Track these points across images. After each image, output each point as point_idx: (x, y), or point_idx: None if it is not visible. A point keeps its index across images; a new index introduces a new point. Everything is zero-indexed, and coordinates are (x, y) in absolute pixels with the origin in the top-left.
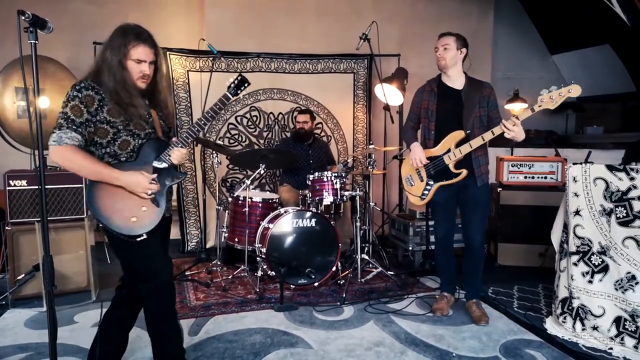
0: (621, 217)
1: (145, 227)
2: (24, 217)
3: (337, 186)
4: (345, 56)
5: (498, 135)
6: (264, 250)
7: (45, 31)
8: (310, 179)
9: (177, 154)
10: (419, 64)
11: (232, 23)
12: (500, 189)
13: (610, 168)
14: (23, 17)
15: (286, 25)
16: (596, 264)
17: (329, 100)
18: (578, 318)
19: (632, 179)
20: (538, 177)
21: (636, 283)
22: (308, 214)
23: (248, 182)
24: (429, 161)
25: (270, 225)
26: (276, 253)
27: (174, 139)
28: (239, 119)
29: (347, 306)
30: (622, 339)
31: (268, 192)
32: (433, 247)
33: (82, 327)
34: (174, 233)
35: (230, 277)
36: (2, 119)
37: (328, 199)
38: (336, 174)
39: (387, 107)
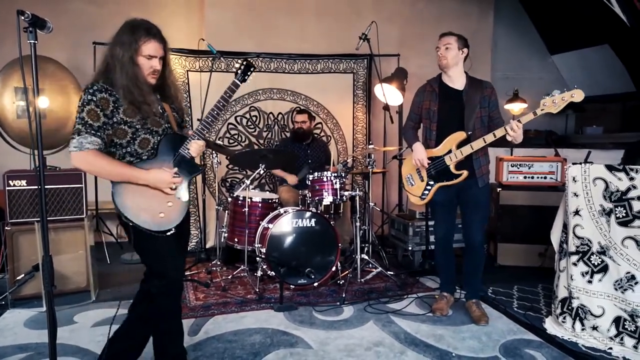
0: (621, 217)
1: (173, 221)
2: (24, 217)
3: (337, 186)
4: (345, 56)
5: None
6: (263, 250)
7: (44, 31)
8: (310, 179)
9: (195, 147)
10: (419, 64)
11: (231, 23)
12: (500, 189)
13: (610, 168)
14: (23, 17)
15: (286, 25)
16: (596, 264)
17: (329, 100)
18: (578, 318)
19: (631, 179)
20: (538, 177)
21: (636, 283)
22: (308, 214)
23: (248, 182)
24: (430, 162)
25: (270, 225)
26: (276, 253)
27: (190, 132)
28: (238, 119)
29: (346, 306)
30: (621, 338)
31: (268, 192)
32: (433, 247)
33: (82, 327)
34: None
35: (229, 277)
36: (2, 118)
37: (328, 199)
38: (336, 174)
39: (386, 107)
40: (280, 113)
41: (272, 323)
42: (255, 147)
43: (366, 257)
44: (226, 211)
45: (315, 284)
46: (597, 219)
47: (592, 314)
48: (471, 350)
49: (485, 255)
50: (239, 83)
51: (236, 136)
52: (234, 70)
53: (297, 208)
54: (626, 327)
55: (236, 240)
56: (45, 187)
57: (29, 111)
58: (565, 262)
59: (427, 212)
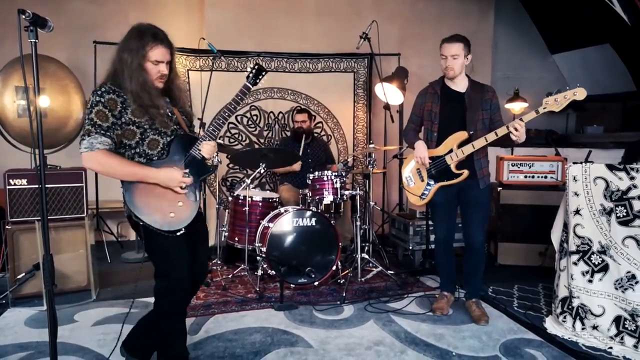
0: (621, 216)
1: (183, 221)
2: (24, 216)
3: (337, 185)
4: (345, 55)
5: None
6: (264, 249)
7: (45, 30)
8: (310, 178)
9: (207, 148)
10: (419, 64)
11: (232, 23)
12: (501, 188)
13: (611, 167)
14: (23, 16)
15: (286, 25)
16: (596, 263)
17: (329, 99)
18: (578, 317)
19: (632, 178)
20: (538, 177)
21: (636, 282)
22: (308, 213)
23: (248, 181)
24: (431, 161)
25: (271, 225)
26: (276, 252)
27: (202, 133)
28: (239, 118)
29: (347, 305)
30: (622, 338)
31: (268, 191)
32: (433, 246)
33: (82, 326)
34: None
35: (230, 276)
36: (2, 118)
37: (328, 198)
38: (336, 173)
39: (387, 107)
40: (280, 112)
41: (272, 322)
42: (256, 146)
43: (366, 257)
44: (226, 210)
45: (316, 283)
46: (598, 218)
47: (592, 314)
48: (471, 349)
49: (485, 255)
50: (250, 86)
51: (237, 135)
52: (245, 71)
53: (298, 207)
54: (626, 326)
55: (236, 239)
56: (46, 186)
57: (30, 110)
58: (565, 261)
59: (428, 211)
